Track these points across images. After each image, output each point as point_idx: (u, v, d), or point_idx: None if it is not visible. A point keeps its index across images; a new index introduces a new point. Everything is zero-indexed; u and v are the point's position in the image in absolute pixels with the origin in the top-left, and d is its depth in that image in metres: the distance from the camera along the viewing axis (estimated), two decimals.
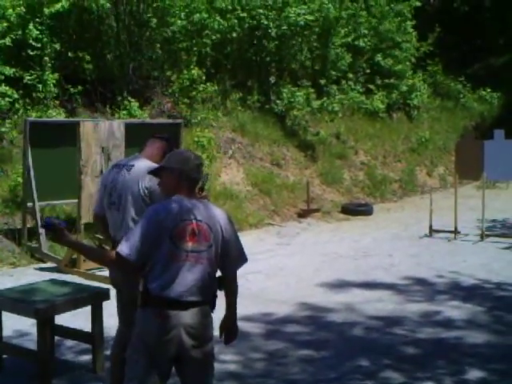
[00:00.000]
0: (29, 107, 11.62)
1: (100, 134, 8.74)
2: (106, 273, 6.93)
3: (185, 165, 3.66)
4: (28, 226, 9.58)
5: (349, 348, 6.16)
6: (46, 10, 11.73)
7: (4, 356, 5.60)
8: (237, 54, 15.56)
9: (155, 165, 4.41)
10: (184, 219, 3.56)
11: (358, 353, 6.04)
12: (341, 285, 8.26)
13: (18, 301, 5.37)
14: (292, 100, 15.11)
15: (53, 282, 6.01)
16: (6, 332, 5.81)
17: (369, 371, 5.60)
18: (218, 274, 3.74)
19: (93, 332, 5.53)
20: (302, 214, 12.91)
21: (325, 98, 15.46)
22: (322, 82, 16.41)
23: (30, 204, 9.33)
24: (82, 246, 3.68)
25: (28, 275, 8.43)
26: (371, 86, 17.68)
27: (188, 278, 3.54)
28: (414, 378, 5.45)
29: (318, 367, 5.72)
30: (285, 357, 6.01)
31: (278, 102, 15.25)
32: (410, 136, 18.00)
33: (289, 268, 9.17)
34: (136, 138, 9.78)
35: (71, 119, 10.32)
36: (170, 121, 11.52)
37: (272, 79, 15.74)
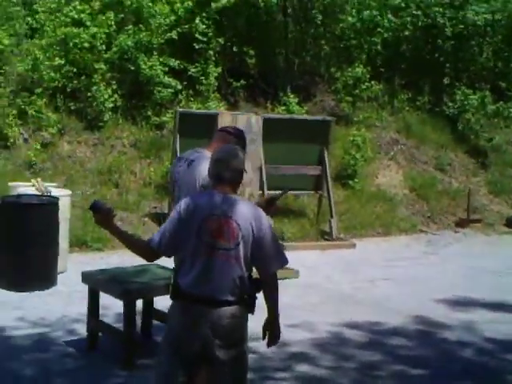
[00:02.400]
0: (191, 98, 12.04)
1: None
2: None
3: (209, 162, 3.66)
4: None
5: (449, 369, 5.72)
6: (213, 5, 12.04)
7: (100, 334, 5.82)
8: (410, 53, 15.03)
9: None
10: (212, 214, 3.47)
11: (458, 375, 5.59)
12: (468, 302, 7.67)
13: (109, 281, 5.56)
14: (466, 103, 14.32)
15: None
16: (108, 311, 6.07)
17: None
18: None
19: None
20: (460, 224, 12.19)
21: (501, 103, 14.48)
22: (503, 85, 15.38)
23: None
24: (123, 234, 3.67)
25: None
26: None
27: (216, 275, 3.45)
28: None
29: None
30: (378, 369, 5.71)
31: (450, 104, 14.52)
32: None
33: (422, 278, 8.69)
34: (279, 133, 9.86)
35: (212, 111, 10.52)
36: (319, 118, 11.37)
37: (446, 80, 15.02)
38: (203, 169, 4.20)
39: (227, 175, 3.56)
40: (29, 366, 5.39)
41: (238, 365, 3.58)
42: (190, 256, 3.47)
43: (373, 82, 13.51)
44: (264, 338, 3.77)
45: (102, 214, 3.58)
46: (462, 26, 14.27)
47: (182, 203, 3.58)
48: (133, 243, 3.69)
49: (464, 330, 6.69)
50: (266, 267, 3.56)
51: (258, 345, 5.96)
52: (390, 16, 13.91)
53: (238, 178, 3.63)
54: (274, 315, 3.71)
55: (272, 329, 3.74)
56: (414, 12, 14.07)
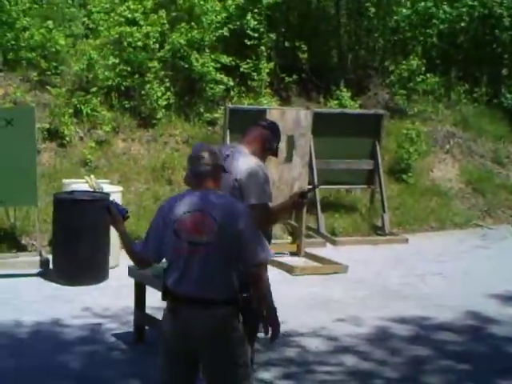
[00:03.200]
0: (243, 95, 12.10)
1: (286, 123, 8.82)
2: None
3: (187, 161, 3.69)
4: None
5: (495, 364, 5.64)
6: (265, 1, 12.07)
7: (146, 327, 5.94)
8: (468, 45, 14.75)
9: (248, 155, 4.35)
10: (188, 211, 3.45)
11: (505, 371, 5.49)
12: None
13: (155, 276, 5.66)
14: None
15: None
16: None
17: None
18: None
19: None
20: None
21: None
22: None
23: None
24: (124, 240, 3.73)
25: None
26: None
27: (196, 272, 3.40)
28: None
29: (451, 380, 5.31)
30: (423, 364, 5.69)
31: (508, 95, 14.19)
32: None
33: (474, 273, 8.56)
34: (330, 127, 9.83)
35: (259, 107, 10.53)
36: (371, 111, 11.27)
37: (504, 71, 14.69)
38: (239, 163, 4.26)
39: (202, 170, 3.54)
40: (77, 358, 5.56)
41: (230, 365, 3.47)
42: (174, 256, 3.47)
43: (428, 75, 13.30)
44: (265, 333, 3.65)
45: (111, 216, 3.69)
46: None
47: (160, 206, 3.65)
48: (128, 250, 3.72)
49: None
50: (247, 260, 3.47)
51: (302, 339, 6.07)
52: (445, 7, 13.64)
53: (214, 173, 3.58)
54: (267, 308, 3.60)
55: (267, 323, 3.62)
56: (470, 2, 13.77)
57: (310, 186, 4.70)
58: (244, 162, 4.28)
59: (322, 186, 10.10)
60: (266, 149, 4.47)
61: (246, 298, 3.53)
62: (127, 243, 3.73)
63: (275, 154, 4.65)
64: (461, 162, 13.04)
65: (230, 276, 3.45)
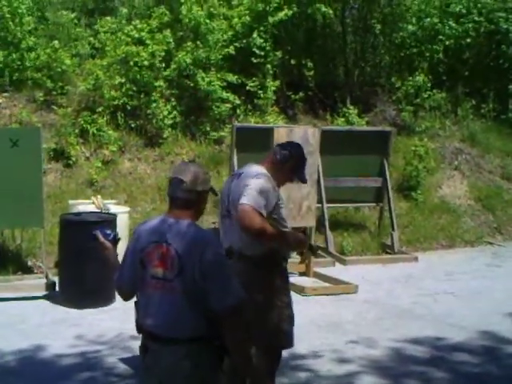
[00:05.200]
0: (249, 113, 12.04)
1: (294, 140, 8.71)
2: None
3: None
4: None
5: None
6: (271, 19, 12.03)
7: None
8: (474, 60, 14.69)
9: (261, 170, 4.27)
10: (154, 241, 3.15)
11: None
12: None
13: None
14: None
15: None
16: None
17: None
18: None
19: None
20: None
21: None
22: None
23: None
24: (110, 267, 3.44)
25: None
26: None
27: (160, 309, 3.10)
28: None
29: None
30: None
31: None
32: None
33: (487, 292, 8.42)
34: (338, 145, 9.75)
35: (266, 125, 10.46)
36: (379, 129, 11.21)
37: (511, 87, 14.60)
38: (249, 178, 4.19)
39: (180, 196, 3.18)
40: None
41: None
42: (140, 288, 3.21)
43: (435, 91, 13.26)
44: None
45: (100, 244, 3.51)
46: None
47: (134, 231, 3.36)
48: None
49: None
50: (216, 301, 3.04)
51: (313, 361, 5.94)
52: (451, 23, 13.61)
53: (194, 200, 3.20)
54: (236, 358, 3.15)
55: (239, 372, 3.27)
56: (476, 18, 13.74)
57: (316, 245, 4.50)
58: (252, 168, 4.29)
59: (329, 205, 10.02)
60: (278, 161, 4.36)
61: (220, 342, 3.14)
62: (113, 272, 3.41)
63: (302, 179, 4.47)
64: (469, 178, 12.93)
65: (196, 314, 3.08)
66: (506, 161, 13.53)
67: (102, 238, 3.51)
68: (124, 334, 6.38)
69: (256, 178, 4.17)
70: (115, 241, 3.55)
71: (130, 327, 6.22)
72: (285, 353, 4.76)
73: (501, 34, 14.03)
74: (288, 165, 4.36)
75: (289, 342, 4.41)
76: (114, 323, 6.73)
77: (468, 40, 13.94)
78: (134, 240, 3.27)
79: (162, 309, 3.10)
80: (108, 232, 3.54)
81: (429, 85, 13.10)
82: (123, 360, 5.88)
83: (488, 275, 9.31)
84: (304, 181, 4.52)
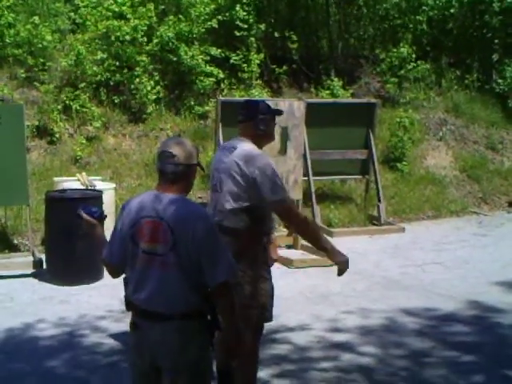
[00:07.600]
0: (234, 87, 11.95)
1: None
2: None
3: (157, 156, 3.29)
4: None
5: (504, 355, 5.53)
6: None
7: None
8: (458, 31, 14.65)
9: (254, 149, 4.23)
10: (144, 216, 3.13)
11: (510, 360, 5.40)
12: None
13: None
14: None
15: None
16: None
17: None
18: None
19: None
20: None
21: None
22: None
23: None
24: (99, 244, 3.38)
25: None
26: None
27: (153, 285, 3.08)
28: None
29: (457, 372, 5.21)
30: (428, 356, 5.57)
31: (499, 81, 14.11)
32: None
33: (474, 261, 8.47)
34: (323, 117, 9.72)
35: (251, 99, 10.38)
36: (364, 101, 11.16)
37: (495, 57, 14.59)
38: (243, 156, 4.15)
39: (170, 170, 3.15)
40: (67, 363, 5.38)
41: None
42: (131, 263, 3.17)
43: (419, 62, 13.22)
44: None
45: (85, 222, 3.44)
46: (509, 1, 13.81)
47: (122, 206, 3.32)
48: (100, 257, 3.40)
49: None
50: (210, 276, 3.07)
51: (302, 333, 5.95)
52: None
53: (183, 174, 3.17)
54: (231, 330, 3.19)
55: (231, 344, 3.26)
56: None
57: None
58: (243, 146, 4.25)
59: (316, 178, 9.99)
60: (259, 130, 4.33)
61: (213, 316, 3.19)
62: (100, 250, 3.35)
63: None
64: (454, 149, 12.96)
65: (189, 288, 3.07)
66: (491, 131, 13.56)
67: (86, 216, 3.44)
68: (113, 311, 6.35)
69: (264, 162, 4.12)
70: (101, 218, 3.49)
71: (119, 303, 6.27)
72: (273, 324, 4.78)
73: (484, 3, 13.98)
74: (269, 128, 4.36)
75: (271, 315, 4.41)
76: (103, 300, 6.71)
77: (452, 10, 13.93)
78: (123, 216, 3.24)
79: (154, 284, 3.08)
80: (94, 209, 3.48)
81: (413, 56, 13.06)
82: (112, 336, 5.87)
83: (475, 245, 9.36)
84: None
